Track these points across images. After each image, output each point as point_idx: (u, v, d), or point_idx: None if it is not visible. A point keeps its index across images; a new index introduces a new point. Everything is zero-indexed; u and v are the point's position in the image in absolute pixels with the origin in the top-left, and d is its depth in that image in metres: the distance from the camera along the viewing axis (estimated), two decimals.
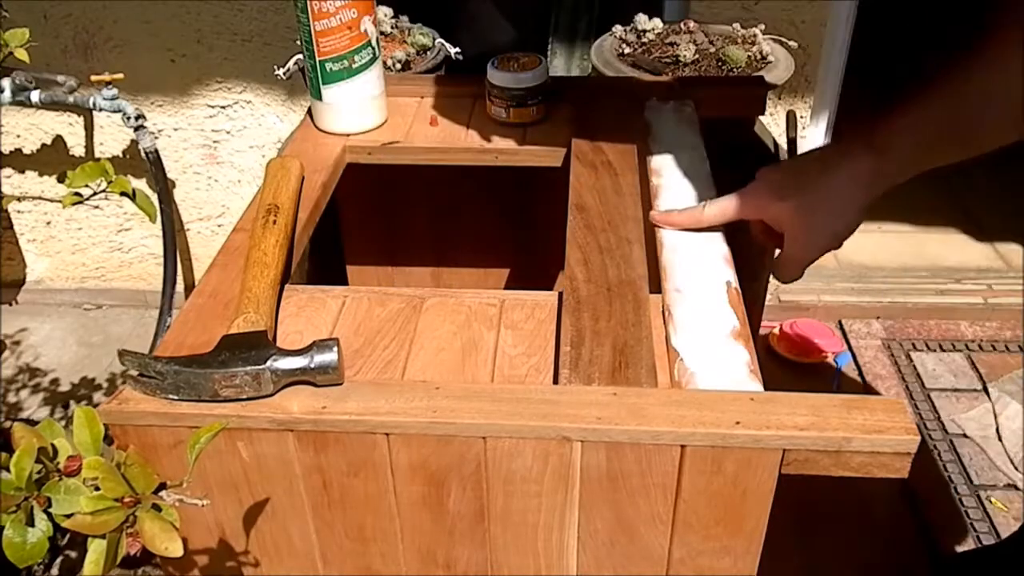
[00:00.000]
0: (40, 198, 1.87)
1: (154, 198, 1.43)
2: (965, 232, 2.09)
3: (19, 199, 1.86)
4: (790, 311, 1.83)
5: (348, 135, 1.01)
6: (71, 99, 1.55)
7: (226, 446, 0.64)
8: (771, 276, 0.79)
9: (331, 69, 0.95)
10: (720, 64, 1.32)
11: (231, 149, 1.78)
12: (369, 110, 1.01)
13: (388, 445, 0.63)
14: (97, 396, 1.73)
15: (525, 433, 0.61)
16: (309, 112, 1.04)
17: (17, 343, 1.89)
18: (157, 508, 0.51)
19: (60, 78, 1.55)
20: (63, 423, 0.53)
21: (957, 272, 1.95)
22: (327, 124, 1.00)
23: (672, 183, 0.87)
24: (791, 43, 1.49)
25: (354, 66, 0.96)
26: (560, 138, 1.00)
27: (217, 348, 0.64)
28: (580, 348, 0.67)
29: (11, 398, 1.69)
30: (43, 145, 1.79)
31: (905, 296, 1.90)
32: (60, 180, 1.83)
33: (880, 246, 2.04)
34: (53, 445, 0.52)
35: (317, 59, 0.95)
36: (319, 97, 0.98)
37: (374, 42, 0.97)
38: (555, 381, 0.67)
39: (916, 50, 1.85)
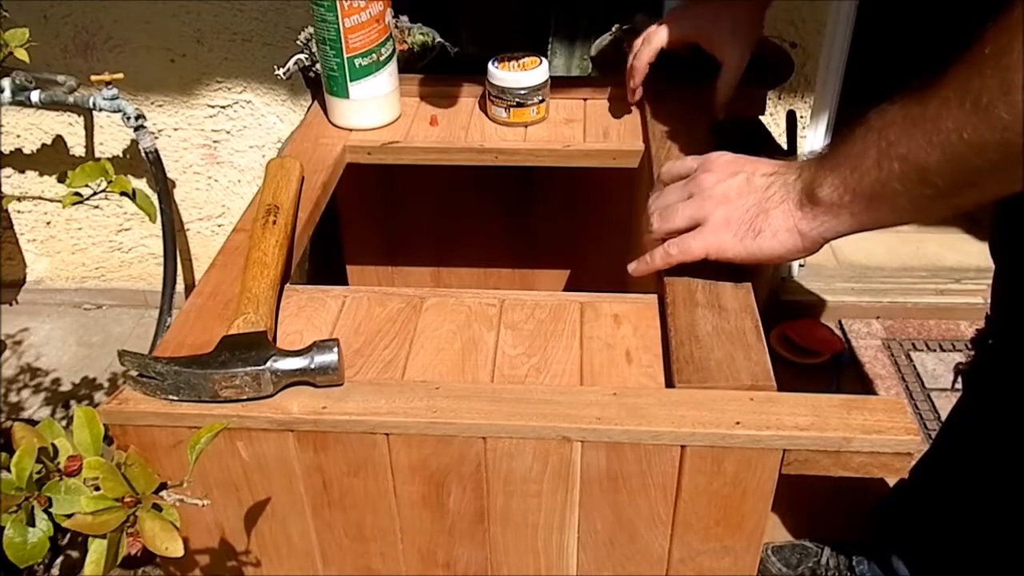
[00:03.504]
0: (40, 198, 1.87)
1: (154, 198, 1.43)
2: (965, 232, 2.09)
3: (19, 199, 1.86)
4: (790, 311, 1.83)
5: (373, 129, 1.02)
6: (71, 99, 1.55)
7: (226, 446, 0.64)
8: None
9: (360, 65, 0.96)
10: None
11: (231, 149, 1.78)
12: (393, 103, 1.03)
13: (388, 445, 0.63)
14: (98, 396, 1.73)
15: (525, 433, 0.61)
16: (322, 111, 1.04)
17: (19, 343, 1.89)
18: (158, 508, 0.51)
19: (60, 78, 1.55)
20: (64, 423, 0.53)
21: (957, 272, 1.95)
22: (351, 121, 1.01)
23: None
24: (791, 43, 1.48)
25: (381, 59, 0.97)
26: (560, 138, 1.00)
27: (217, 349, 0.64)
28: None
29: (12, 398, 1.68)
30: (43, 145, 1.79)
31: (905, 296, 1.90)
32: (60, 180, 1.83)
33: (880, 246, 2.04)
34: (54, 445, 0.52)
35: (346, 56, 0.95)
36: (346, 95, 0.98)
37: (393, 33, 0.98)
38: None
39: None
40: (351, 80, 0.97)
